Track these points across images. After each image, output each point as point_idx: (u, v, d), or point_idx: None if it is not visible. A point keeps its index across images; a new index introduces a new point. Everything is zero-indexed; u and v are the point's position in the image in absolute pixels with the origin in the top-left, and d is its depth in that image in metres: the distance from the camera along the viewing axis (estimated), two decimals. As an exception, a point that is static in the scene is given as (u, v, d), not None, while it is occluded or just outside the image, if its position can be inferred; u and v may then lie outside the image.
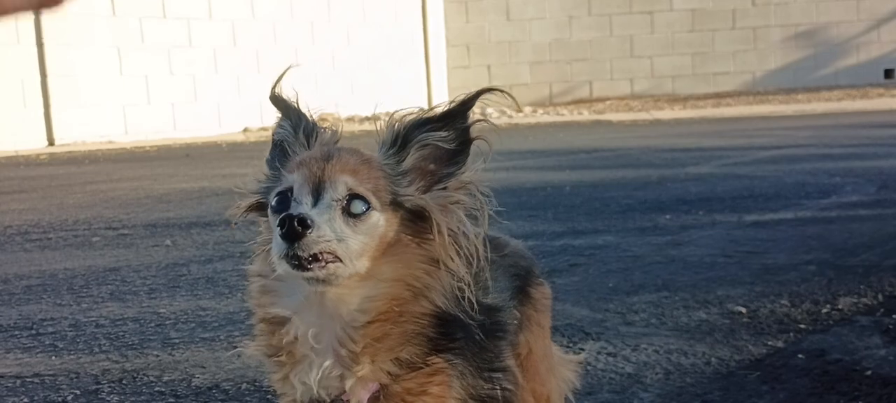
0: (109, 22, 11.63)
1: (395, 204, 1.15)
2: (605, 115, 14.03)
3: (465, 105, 1.19)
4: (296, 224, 1.05)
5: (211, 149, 10.50)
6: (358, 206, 1.11)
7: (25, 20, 10.80)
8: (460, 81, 16.77)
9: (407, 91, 15.98)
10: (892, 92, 14.52)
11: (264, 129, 13.15)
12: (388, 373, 1.14)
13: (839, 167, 6.03)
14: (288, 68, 1.33)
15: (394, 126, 1.21)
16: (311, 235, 1.06)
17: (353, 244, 1.10)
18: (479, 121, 1.21)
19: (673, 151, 7.95)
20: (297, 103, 1.30)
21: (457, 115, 1.19)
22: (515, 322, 1.34)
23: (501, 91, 1.23)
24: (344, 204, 1.11)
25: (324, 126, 1.29)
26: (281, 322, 1.15)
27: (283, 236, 1.06)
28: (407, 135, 1.20)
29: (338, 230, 1.09)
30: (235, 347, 2.49)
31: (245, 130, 13.04)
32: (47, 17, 10.90)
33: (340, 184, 1.12)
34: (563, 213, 4.65)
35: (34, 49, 10.88)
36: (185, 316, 2.85)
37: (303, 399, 1.16)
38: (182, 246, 4.11)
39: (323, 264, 1.07)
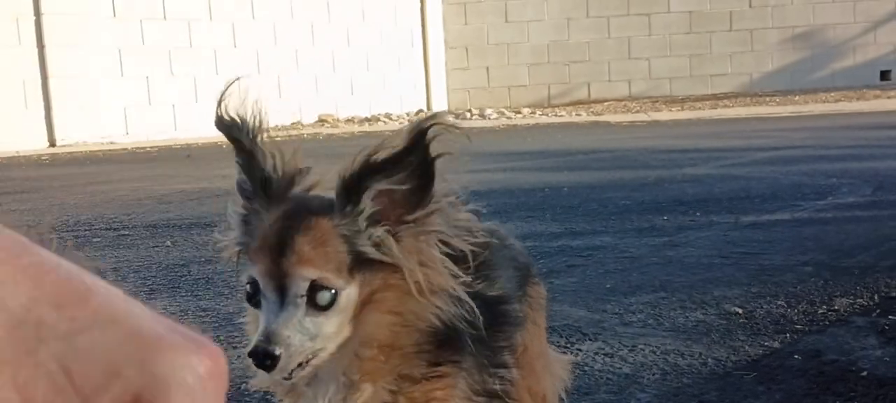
0: (110, 23, 11.64)
1: (362, 260, 1.10)
2: (603, 117, 14.05)
3: (414, 141, 1.08)
4: (266, 361, 1.06)
5: (211, 150, 10.51)
6: (324, 298, 1.09)
7: (27, 22, 10.82)
8: (459, 82, 16.81)
9: (406, 92, 16.01)
10: (889, 93, 14.56)
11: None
12: (391, 391, 1.15)
13: (836, 168, 6.05)
14: (233, 81, 1.23)
15: (342, 179, 1.12)
16: (282, 361, 1.06)
17: (327, 330, 1.09)
18: (435, 136, 1.09)
19: (670, 152, 7.98)
20: (247, 139, 1.17)
21: (407, 154, 1.09)
22: (518, 317, 1.35)
23: (451, 124, 1.10)
24: (308, 298, 1.09)
25: (277, 165, 1.17)
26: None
27: (258, 366, 1.07)
28: (358, 186, 1.11)
29: (308, 330, 1.08)
30: (236, 347, 2.51)
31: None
32: (48, 18, 10.93)
33: (300, 280, 1.08)
34: (561, 214, 4.67)
35: (35, 50, 10.90)
36: (186, 317, 2.86)
37: None
38: (182, 246, 4.13)
39: (302, 370, 1.09)
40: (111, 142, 11.41)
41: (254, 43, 13.35)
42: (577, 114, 14.60)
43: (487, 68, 16.71)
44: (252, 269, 1.12)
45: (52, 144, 11.07)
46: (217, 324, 2.76)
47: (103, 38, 11.55)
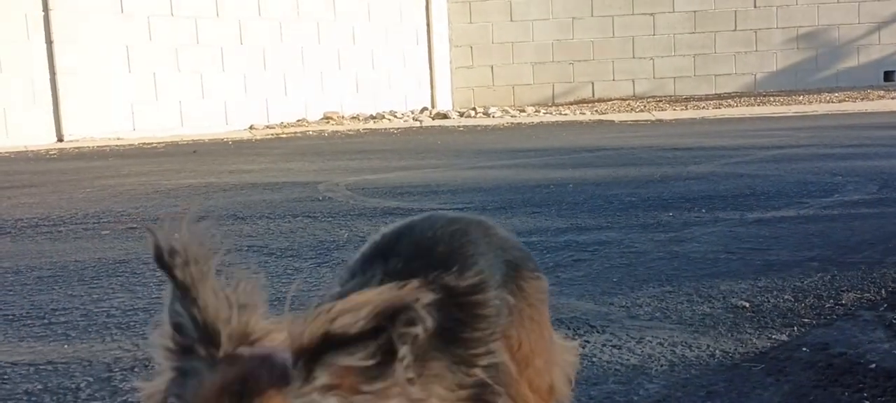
0: (118, 20, 11.68)
1: None
2: (607, 116, 14.06)
3: (381, 323, 0.94)
4: None
5: (218, 146, 10.54)
6: None
7: (35, 17, 10.86)
8: (463, 81, 16.82)
9: (411, 89, 16.04)
10: (893, 94, 14.54)
11: (270, 127, 13.20)
12: None
13: (841, 166, 6.06)
14: (184, 213, 1.04)
15: (298, 348, 0.95)
16: None
17: None
18: (405, 321, 0.95)
19: (675, 151, 7.98)
20: (190, 278, 0.99)
21: (372, 335, 0.94)
22: (508, 308, 1.34)
23: (420, 308, 0.96)
24: None
25: (231, 313, 1.00)
26: None
27: None
28: (315, 358, 0.95)
29: None
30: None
31: (251, 128, 13.08)
32: (57, 14, 10.96)
33: None
34: (567, 210, 4.68)
35: (43, 46, 10.94)
36: (196, 307, 2.87)
37: None
38: (190, 239, 4.14)
39: None
40: (118, 138, 11.45)
41: (260, 40, 13.37)
42: (581, 113, 14.60)
43: (492, 67, 16.73)
44: None
45: (60, 139, 11.11)
46: (227, 315, 2.78)
47: (111, 35, 11.59)
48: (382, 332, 0.94)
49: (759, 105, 14.47)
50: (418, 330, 0.95)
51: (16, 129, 10.71)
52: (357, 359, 0.95)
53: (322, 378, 0.95)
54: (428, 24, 16.21)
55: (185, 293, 0.99)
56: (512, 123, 13.49)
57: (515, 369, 1.35)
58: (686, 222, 4.19)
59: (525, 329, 1.41)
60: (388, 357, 0.96)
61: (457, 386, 1.15)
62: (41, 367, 2.34)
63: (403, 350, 0.96)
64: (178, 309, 1.00)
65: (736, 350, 2.30)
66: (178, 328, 1.00)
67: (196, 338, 0.98)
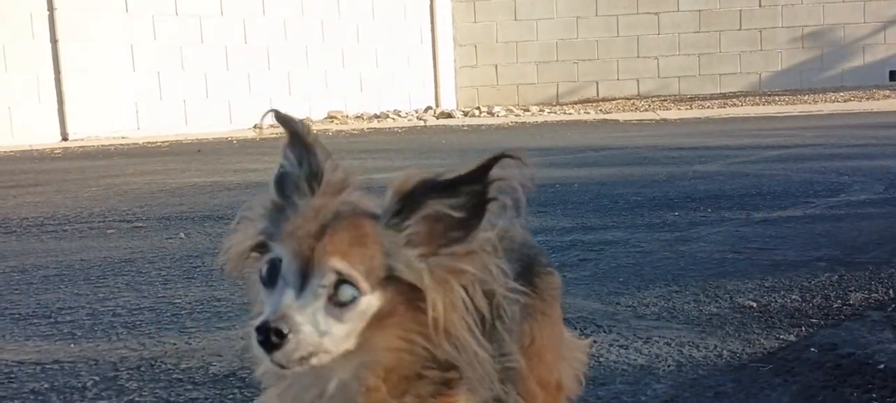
0: (123, 18, 11.70)
1: (390, 279, 1.07)
2: (612, 115, 14.04)
3: (480, 170, 1.07)
4: (272, 336, 1.01)
5: (222, 145, 10.55)
6: (346, 293, 1.04)
7: (41, 16, 10.88)
8: (468, 80, 16.81)
9: (415, 89, 16.03)
10: (900, 94, 14.50)
11: (274, 126, 13.18)
12: None
13: (847, 166, 6.04)
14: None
15: (399, 193, 1.10)
16: (290, 345, 1.01)
17: (338, 332, 1.04)
18: (501, 176, 1.07)
19: (680, 150, 7.97)
20: (307, 134, 1.17)
21: (469, 181, 1.07)
22: (521, 308, 1.33)
23: (516, 157, 1.08)
24: (331, 292, 1.04)
25: (333, 165, 1.16)
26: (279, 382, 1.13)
27: (261, 344, 1.02)
28: (412, 201, 1.09)
29: (321, 324, 1.03)
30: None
31: (255, 127, 13.08)
32: (62, 13, 10.98)
33: (329, 271, 1.04)
34: (572, 209, 4.67)
35: (49, 45, 10.96)
36: (201, 306, 2.88)
37: None
38: (196, 238, 4.15)
39: (302, 364, 1.04)
40: (123, 137, 11.46)
41: (264, 39, 13.38)
42: (585, 113, 14.58)
43: (496, 66, 16.71)
44: (278, 248, 1.07)
45: (65, 138, 11.13)
46: (231, 314, 2.78)
47: (116, 33, 11.61)
48: (479, 181, 1.06)
49: (764, 104, 14.44)
50: (508, 198, 1.06)
51: (21, 128, 10.73)
52: (449, 206, 1.07)
53: (412, 227, 1.08)
54: (432, 23, 16.21)
55: (301, 139, 1.15)
56: (516, 123, 13.48)
57: (526, 363, 1.35)
58: (692, 222, 4.18)
59: (537, 323, 1.41)
60: (475, 217, 1.07)
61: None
62: (47, 366, 2.34)
63: (493, 206, 1.06)
64: (289, 154, 1.16)
65: (744, 350, 2.29)
66: (281, 179, 1.15)
67: (302, 176, 1.13)
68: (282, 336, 1.01)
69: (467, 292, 1.09)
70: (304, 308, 1.03)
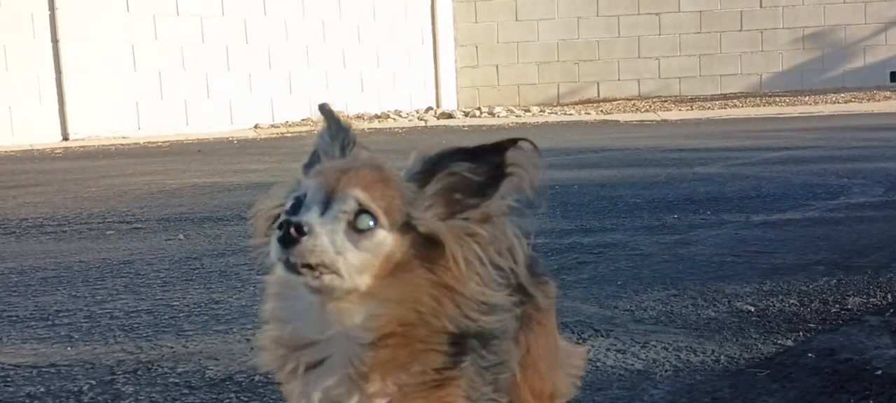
0: (124, 18, 11.69)
1: (407, 227, 1.13)
2: (613, 116, 14.03)
3: (502, 144, 1.16)
4: (292, 230, 1.06)
5: (223, 146, 10.55)
6: (364, 221, 1.10)
7: (41, 16, 10.88)
8: (469, 81, 16.80)
9: (416, 89, 16.02)
10: (901, 95, 14.49)
11: (275, 127, 13.19)
12: (400, 387, 1.14)
13: (847, 168, 6.03)
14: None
15: (422, 156, 1.19)
16: (306, 243, 1.06)
17: (353, 259, 1.09)
18: (516, 148, 1.16)
19: (680, 151, 7.96)
20: (343, 119, 1.30)
21: (490, 151, 1.16)
22: (516, 319, 1.33)
23: (531, 143, 1.17)
24: (350, 218, 1.10)
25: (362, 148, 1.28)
26: (286, 332, 1.16)
27: (279, 240, 1.07)
28: (435, 164, 1.17)
29: (338, 243, 1.08)
30: (249, 340, 2.52)
31: (256, 127, 13.08)
32: (63, 12, 10.98)
33: (350, 198, 1.11)
34: (572, 211, 4.66)
35: (49, 45, 10.95)
36: (199, 309, 2.87)
37: None
38: (195, 239, 4.15)
39: (317, 275, 1.08)
40: (123, 137, 11.46)
41: (265, 39, 13.37)
42: (586, 113, 14.58)
43: (497, 66, 16.70)
44: (305, 183, 1.15)
45: (65, 138, 11.13)
46: (230, 317, 2.77)
47: (117, 33, 11.61)
48: (498, 153, 1.14)
49: (764, 105, 14.43)
50: (523, 180, 1.14)
51: (21, 128, 10.73)
52: (468, 170, 1.14)
53: (433, 187, 1.15)
54: (433, 24, 16.20)
55: (338, 124, 1.27)
56: (517, 123, 13.47)
57: (520, 373, 1.35)
58: (691, 224, 4.18)
59: (533, 333, 1.41)
60: (492, 182, 1.14)
61: (473, 401, 1.20)
62: (44, 369, 2.34)
63: (510, 178, 1.14)
64: (324, 134, 1.28)
65: (741, 355, 2.28)
66: (313, 159, 1.25)
67: (336, 145, 1.24)
68: (301, 232, 1.06)
69: (482, 254, 1.14)
70: (325, 223, 1.09)
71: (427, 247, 1.13)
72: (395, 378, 1.13)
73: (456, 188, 1.16)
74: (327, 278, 1.08)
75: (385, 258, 1.11)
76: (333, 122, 1.28)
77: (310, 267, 1.07)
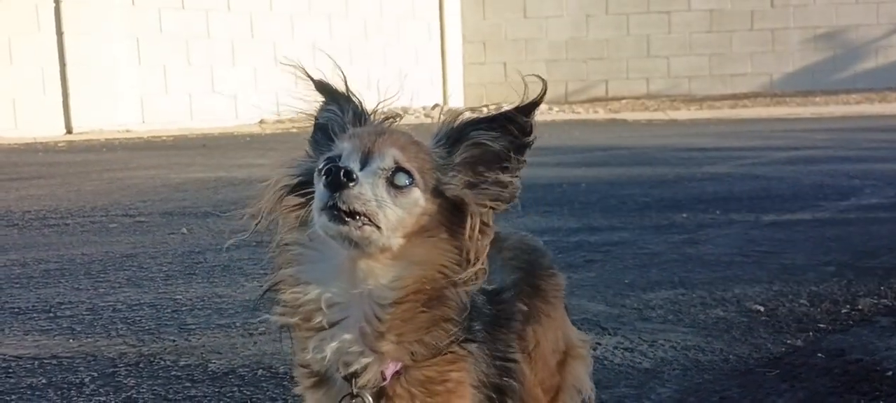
0: (128, 11, 11.69)
1: (437, 191, 1.16)
2: (621, 114, 13.99)
3: (526, 110, 1.19)
4: (341, 175, 1.08)
5: (227, 140, 10.54)
6: (402, 179, 1.13)
7: (46, 9, 10.88)
8: (476, 77, 16.76)
9: (422, 86, 15.98)
10: (912, 96, 14.39)
11: (280, 122, 13.17)
12: (412, 354, 1.16)
13: (858, 169, 5.98)
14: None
15: (449, 122, 1.22)
16: (354, 189, 1.09)
17: (391, 214, 1.12)
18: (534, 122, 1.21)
19: (689, 151, 7.92)
20: (347, 89, 1.31)
21: (514, 120, 1.20)
22: (522, 313, 1.34)
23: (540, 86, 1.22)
24: (389, 175, 1.13)
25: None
26: (309, 293, 1.16)
27: (327, 185, 1.08)
28: (461, 132, 1.21)
29: (379, 196, 1.11)
30: (251, 334, 2.50)
31: (261, 122, 13.07)
32: (68, 5, 10.99)
33: (388, 156, 1.14)
34: (579, 210, 4.63)
35: (54, 37, 10.95)
36: (201, 303, 2.86)
37: (323, 371, 1.18)
38: (198, 234, 4.13)
39: (360, 225, 1.09)
40: (127, 130, 11.46)
41: (271, 34, 13.36)
42: (594, 112, 14.53)
43: (505, 63, 16.66)
44: (339, 145, 1.17)
45: (69, 131, 11.13)
46: (233, 311, 2.76)
47: (121, 26, 11.60)
48: (519, 122, 1.18)
49: (775, 105, 14.36)
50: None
51: (25, 121, 10.73)
52: (491, 137, 1.18)
53: (460, 156, 1.19)
54: (440, 20, 16.16)
55: (341, 97, 1.29)
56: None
57: (529, 367, 1.35)
58: (700, 223, 4.14)
59: (542, 326, 1.41)
60: (518, 152, 1.19)
61: (481, 383, 1.21)
62: (46, 361, 2.32)
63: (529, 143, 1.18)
64: (329, 107, 1.29)
65: (750, 354, 2.25)
66: (323, 128, 1.27)
67: (348, 119, 1.25)
68: (350, 177, 1.08)
69: (492, 222, 1.18)
70: (366, 175, 1.12)
71: (450, 213, 1.16)
72: (408, 344, 1.15)
73: (480, 159, 1.19)
74: (368, 229, 1.10)
75: (417, 218, 1.14)
76: (339, 95, 1.30)
77: (353, 216, 1.09)
